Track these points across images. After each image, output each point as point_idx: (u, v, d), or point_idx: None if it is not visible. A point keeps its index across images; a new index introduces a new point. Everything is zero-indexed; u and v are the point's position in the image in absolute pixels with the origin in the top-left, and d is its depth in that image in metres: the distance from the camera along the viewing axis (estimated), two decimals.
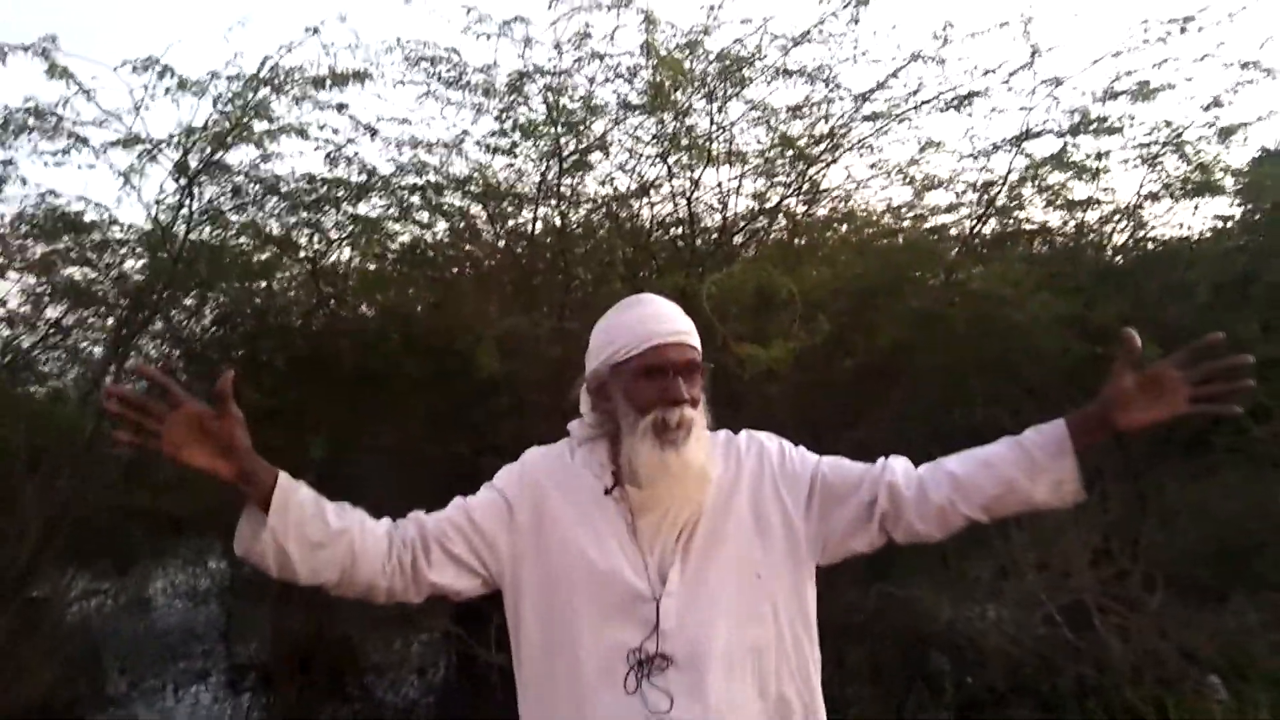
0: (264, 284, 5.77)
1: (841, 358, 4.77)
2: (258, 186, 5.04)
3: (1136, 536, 5.07)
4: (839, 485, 1.66)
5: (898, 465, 1.66)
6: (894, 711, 4.10)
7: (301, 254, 5.53)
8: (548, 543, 1.62)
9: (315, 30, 4.36)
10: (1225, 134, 5.17)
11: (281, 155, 4.99)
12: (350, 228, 5.49)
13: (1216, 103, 5.01)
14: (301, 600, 5.44)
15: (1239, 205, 5.99)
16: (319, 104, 4.69)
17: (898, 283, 5.00)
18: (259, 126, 4.72)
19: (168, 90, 4.26)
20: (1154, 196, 5.39)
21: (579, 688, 1.56)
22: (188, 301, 5.55)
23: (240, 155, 4.81)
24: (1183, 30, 4.69)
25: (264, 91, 4.45)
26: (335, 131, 4.93)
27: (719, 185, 5.06)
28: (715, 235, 5.14)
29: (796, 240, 5.29)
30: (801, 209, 5.30)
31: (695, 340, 1.67)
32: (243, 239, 5.34)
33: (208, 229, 5.00)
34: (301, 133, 4.88)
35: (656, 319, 1.65)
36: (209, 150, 4.58)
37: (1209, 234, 5.75)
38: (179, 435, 1.42)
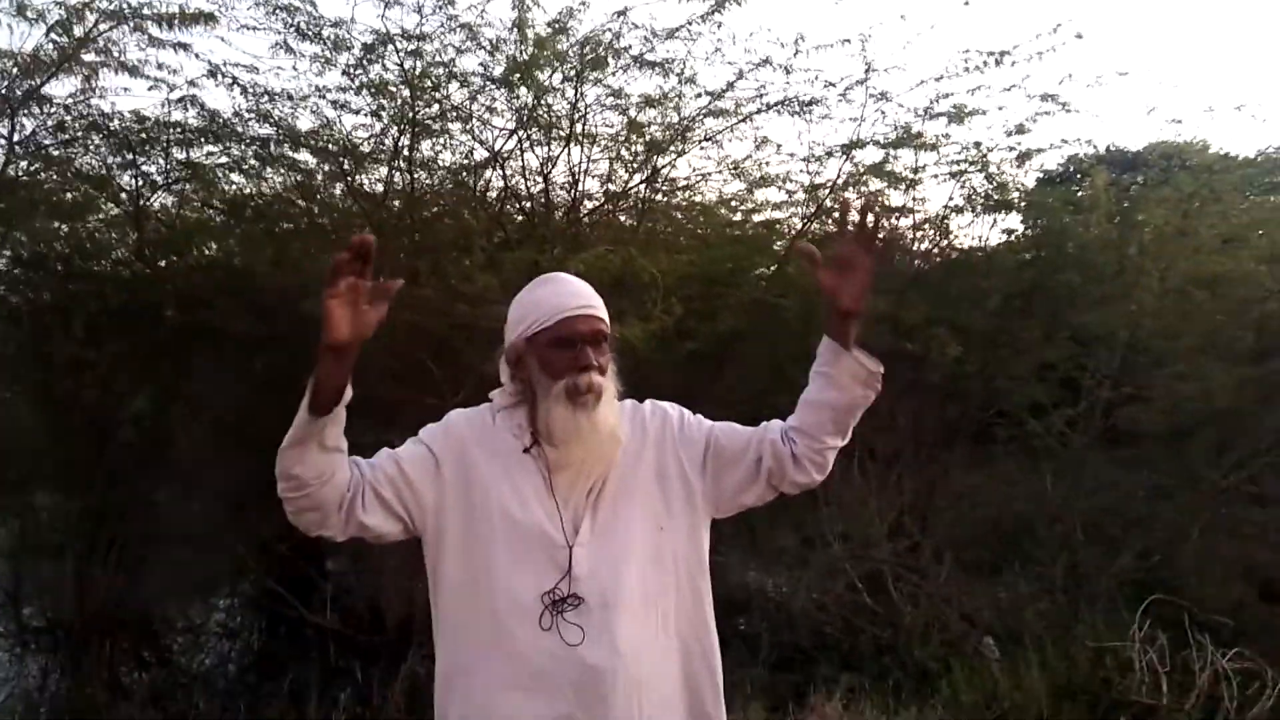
0: (75, 225, 5.38)
1: (679, 341, 5.01)
2: (82, 122, 4.70)
3: (927, 514, 5.65)
4: (730, 448, 1.85)
5: (775, 425, 1.87)
6: None
7: (122, 196, 5.21)
8: (471, 495, 1.76)
9: None
10: (1023, 158, 5.79)
11: (108, 91, 4.70)
12: (178, 173, 5.24)
13: (1019, 129, 5.59)
14: (107, 560, 5.17)
15: (1025, 223, 6.71)
16: (161, 43, 4.43)
17: (735, 273, 5.30)
18: (89, 58, 4.42)
19: None
20: (959, 209, 5.95)
21: (498, 626, 1.70)
22: None
23: (66, 88, 4.48)
24: (998, 63, 5.20)
25: (101, 23, 4.14)
26: (174, 72, 4.68)
27: (569, 165, 5.17)
28: (564, 213, 5.24)
29: (642, 225, 5.47)
30: (648, 195, 5.47)
31: (603, 313, 1.82)
32: (55, 176, 4.98)
33: (23, 164, 4.61)
34: (133, 70, 4.61)
35: (567, 294, 1.80)
36: (33, 78, 4.23)
37: (1002, 246, 6.40)
38: (345, 292, 1.52)
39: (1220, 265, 5.81)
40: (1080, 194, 6.59)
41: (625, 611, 1.71)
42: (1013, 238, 6.69)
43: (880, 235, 1.76)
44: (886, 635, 4.75)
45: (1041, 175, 8.73)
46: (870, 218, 1.75)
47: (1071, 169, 9.99)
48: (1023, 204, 6.26)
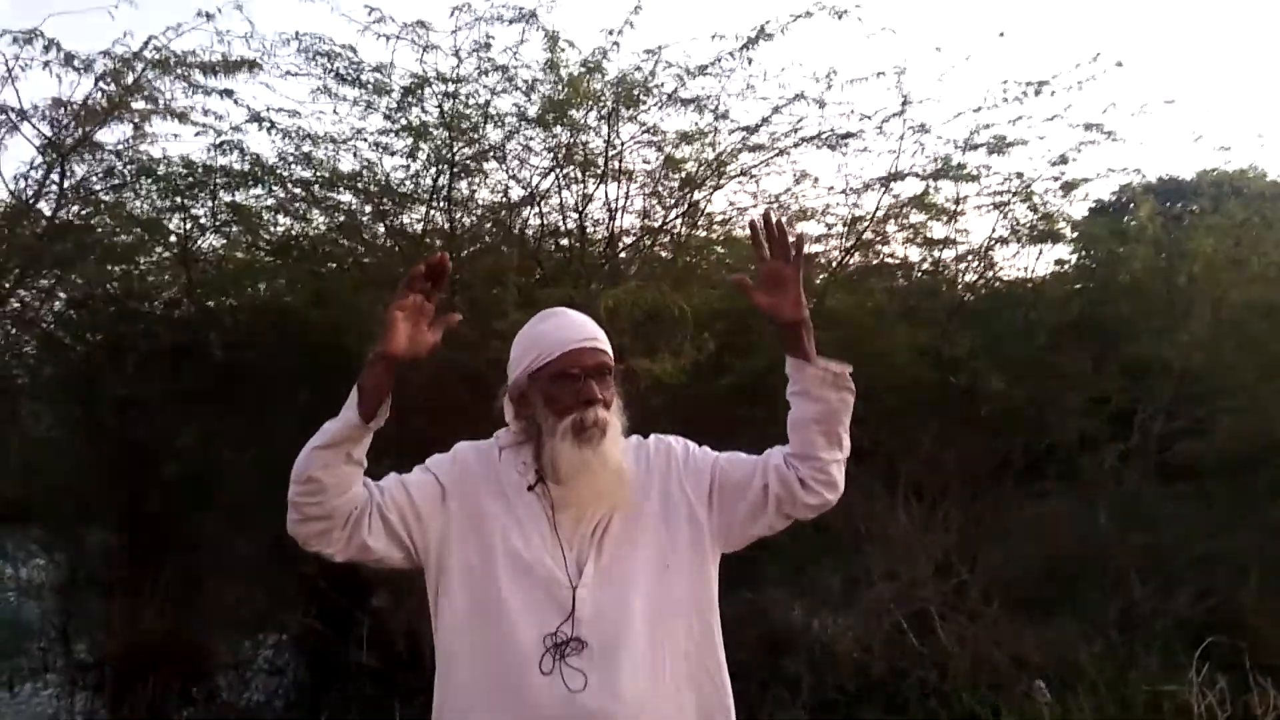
0: (127, 268, 5.54)
1: (717, 376, 4.98)
2: (131, 167, 4.85)
3: (975, 553, 5.50)
4: (737, 477, 1.82)
5: (777, 452, 1.83)
6: (752, 711, 4.30)
7: (172, 239, 5.35)
8: (476, 529, 1.74)
9: (208, 16, 4.26)
10: (1068, 188, 5.69)
11: (157, 137, 4.86)
12: (225, 216, 5.37)
13: (1062, 159, 5.50)
14: (153, 597, 5.25)
15: (1075, 253, 6.58)
16: (205, 89, 4.57)
17: None
18: (138, 106, 4.57)
19: (46, 64, 4.06)
20: (1003, 240, 5.87)
21: (497, 667, 1.67)
22: (43, 282, 5.27)
23: (116, 134, 4.64)
24: (1037, 92, 5.14)
25: (148, 71, 4.29)
26: (219, 118, 4.82)
27: (607, 202, 5.21)
28: (602, 249, 5.27)
29: (680, 260, 5.47)
30: (685, 230, 5.48)
31: (606, 346, 1.80)
32: (108, 220, 5.14)
33: (75, 208, 4.76)
34: (181, 116, 4.76)
35: (569, 328, 1.79)
36: (84, 126, 4.38)
37: (1049, 278, 6.29)
38: (410, 307, 1.62)
39: (1276, 293, 5.63)
40: (1130, 223, 6.46)
41: (630, 656, 1.66)
42: (1062, 269, 6.58)
43: (791, 241, 1.73)
44: (933, 678, 4.61)
45: (1094, 205, 8.60)
46: (775, 228, 1.75)
47: (1123, 199, 9.82)
48: (1071, 234, 6.16)
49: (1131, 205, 7.01)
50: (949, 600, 5.01)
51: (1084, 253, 6.59)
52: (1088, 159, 5.47)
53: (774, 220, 1.75)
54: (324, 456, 1.61)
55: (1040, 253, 6.03)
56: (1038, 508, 5.96)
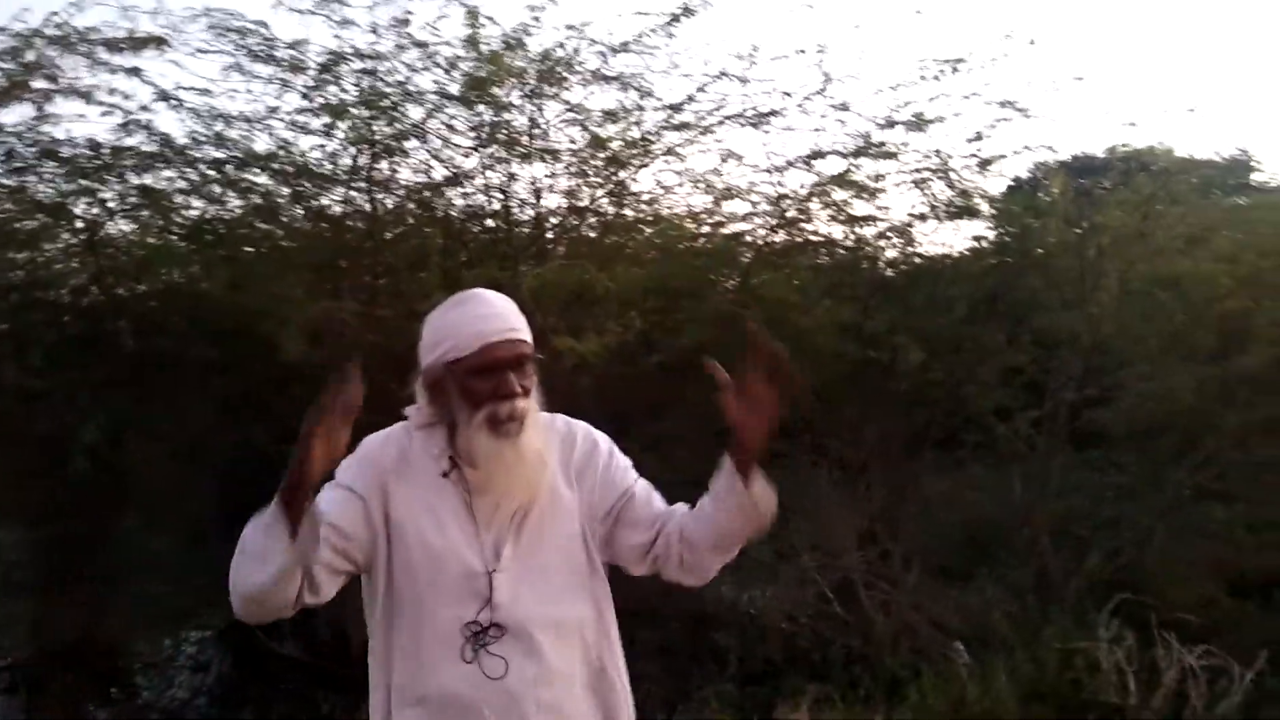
0: (31, 255, 5.32)
1: (646, 354, 5.00)
2: (33, 150, 4.65)
3: (896, 522, 5.65)
4: (640, 515, 1.81)
5: (679, 515, 1.81)
6: (681, 685, 4.37)
7: (78, 224, 5.15)
8: (391, 524, 1.71)
9: None
10: (984, 165, 5.80)
11: (60, 118, 4.67)
12: (134, 199, 5.19)
13: (979, 136, 5.61)
14: (68, 595, 5.09)
15: (993, 229, 6.74)
16: (111, 67, 4.40)
17: (700, 285, 5.30)
18: (39, 85, 4.38)
19: None
20: (922, 217, 5.95)
21: (421, 659, 1.66)
22: None
23: (16, 115, 4.44)
24: (954, 70, 5.24)
25: (49, 49, 4.11)
26: (126, 97, 4.64)
27: (533, 181, 5.16)
28: (528, 230, 5.23)
29: (607, 239, 5.47)
30: (612, 210, 5.47)
31: (526, 334, 1.76)
32: (10, 205, 4.93)
33: None
34: (86, 96, 4.58)
35: (487, 318, 1.73)
36: None
37: (967, 253, 6.43)
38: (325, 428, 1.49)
39: (1180, 266, 5.86)
40: (1044, 199, 6.64)
41: (548, 639, 1.67)
42: (980, 244, 6.74)
43: (785, 373, 1.65)
44: (857, 644, 4.74)
45: (1012, 182, 8.82)
46: (771, 352, 1.64)
47: (1038, 175, 10.08)
48: (989, 211, 6.30)
49: (1045, 181, 7.21)
50: (872, 569, 5.14)
51: (1000, 229, 6.75)
52: (1003, 136, 5.59)
53: (765, 340, 1.64)
54: (278, 589, 1.53)
55: (958, 229, 6.17)
56: (955, 477, 6.14)
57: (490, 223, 5.37)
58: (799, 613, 4.90)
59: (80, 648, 5.13)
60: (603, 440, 1.88)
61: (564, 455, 1.82)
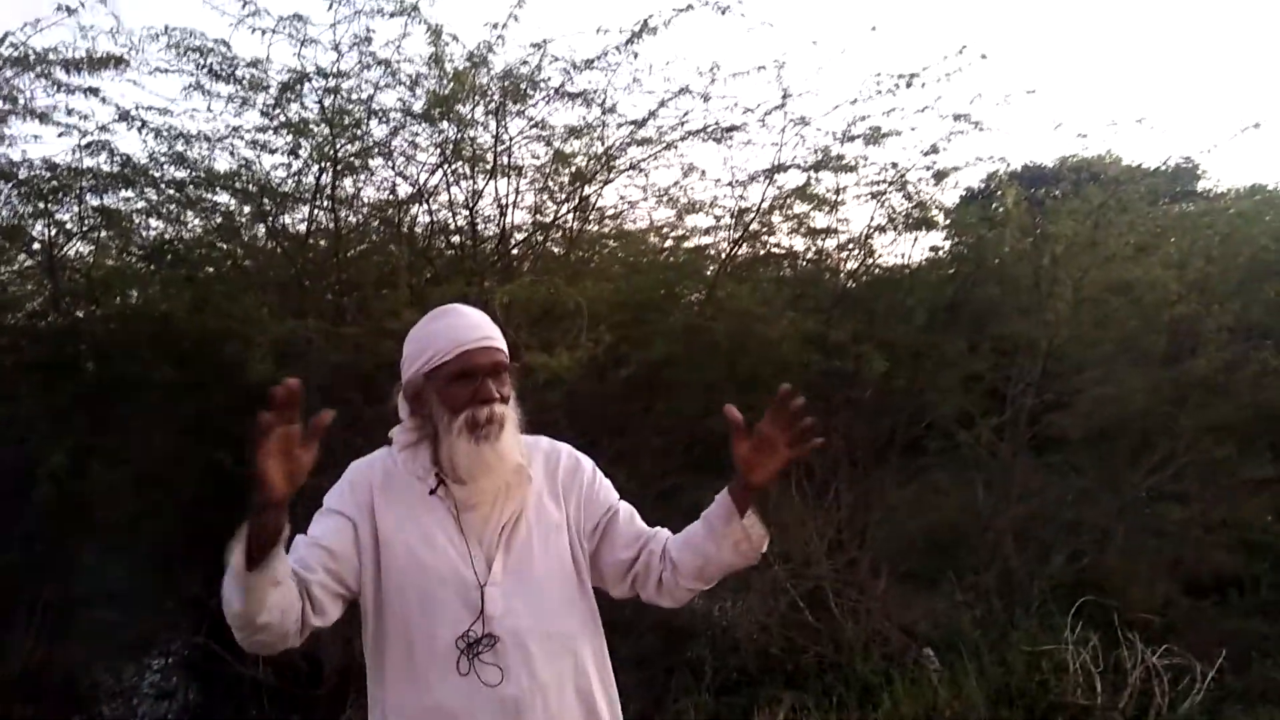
0: None
1: (613, 369, 5.02)
2: None
3: (864, 530, 5.72)
4: (622, 534, 1.86)
5: (663, 536, 1.86)
6: (657, 697, 4.38)
7: (35, 246, 5.08)
8: (381, 544, 1.73)
9: (70, 10, 4.05)
10: (939, 177, 5.94)
11: (15, 139, 4.61)
12: (92, 220, 5.12)
13: (934, 149, 5.73)
14: (29, 624, 4.98)
15: (948, 239, 6.88)
16: (68, 88, 4.34)
17: (666, 299, 5.34)
18: None
19: None
20: (881, 229, 6.08)
21: (417, 674, 1.69)
22: None
23: None
24: (908, 85, 5.34)
25: (5, 69, 4.05)
26: (84, 117, 4.59)
27: (497, 198, 5.18)
28: (494, 246, 5.24)
29: (572, 255, 5.49)
30: (577, 225, 5.50)
31: (502, 344, 1.81)
32: None
33: None
34: (43, 117, 4.51)
35: (464, 328, 1.79)
36: None
37: (925, 263, 6.56)
38: (278, 445, 1.44)
39: (1131, 272, 6.01)
40: (998, 209, 6.78)
41: (540, 649, 1.71)
42: (937, 254, 6.87)
43: (808, 433, 1.66)
44: (829, 652, 4.78)
45: (965, 194, 8.98)
46: (801, 411, 1.65)
47: (991, 186, 10.28)
48: (945, 221, 6.43)
49: (999, 192, 7.37)
50: (841, 576, 5.20)
51: (956, 239, 6.88)
52: (957, 148, 5.74)
53: (798, 403, 1.64)
54: (253, 608, 1.52)
55: (916, 240, 6.28)
56: (920, 484, 6.24)
57: (456, 239, 5.37)
58: (771, 622, 4.93)
59: (39, 677, 5.01)
60: (585, 460, 1.92)
61: (549, 473, 1.85)
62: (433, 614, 1.70)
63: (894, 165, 5.83)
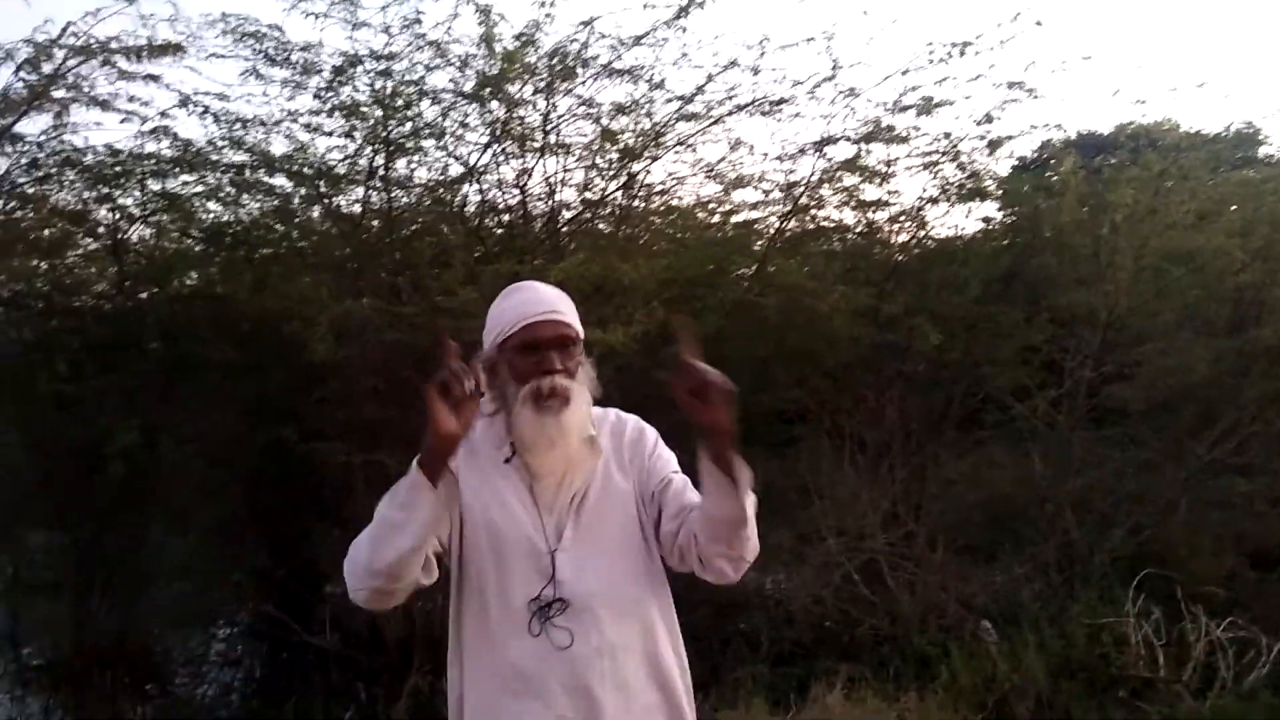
0: (54, 262, 5.38)
1: (663, 344, 5.04)
2: (55, 158, 4.71)
3: (919, 503, 5.68)
4: (670, 505, 1.83)
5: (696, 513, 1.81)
6: (714, 667, 4.41)
7: (100, 230, 5.22)
8: (464, 507, 1.78)
9: None
10: (993, 146, 5.83)
11: (79, 126, 4.73)
12: (154, 205, 5.25)
13: (987, 118, 5.63)
14: (104, 597, 5.17)
15: (1001, 210, 6.76)
16: (129, 75, 4.46)
17: (715, 274, 5.34)
18: (59, 94, 4.45)
19: None
20: (933, 200, 5.98)
21: (490, 636, 1.74)
22: None
23: (38, 125, 4.50)
24: (961, 53, 5.25)
25: (69, 58, 4.16)
26: (144, 104, 4.70)
27: (546, 176, 5.20)
28: (543, 224, 5.27)
29: (620, 232, 5.51)
30: (625, 202, 5.51)
31: (570, 319, 1.81)
32: (32, 213, 4.99)
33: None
34: (104, 104, 4.64)
35: (532, 301, 1.81)
36: (4, 117, 4.24)
37: (979, 235, 6.46)
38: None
39: (1192, 241, 5.87)
40: (1053, 178, 6.65)
41: (609, 614, 1.74)
42: (990, 225, 6.76)
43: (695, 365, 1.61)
44: (885, 625, 4.78)
45: (1017, 163, 8.82)
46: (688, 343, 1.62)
47: (1044, 155, 10.07)
48: (998, 192, 6.32)
49: (1052, 161, 7.22)
50: (896, 550, 5.18)
51: (1009, 209, 6.77)
52: (1011, 117, 5.62)
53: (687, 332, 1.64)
54: (410, 559, 1.62)
55: (969, 211, 6.20)
56: (976, 457, 6.17)
57: (506, 218, 5.42)
58: (826, 595, 4.93)
59: (116, 646, 5.21)
60: (649, 431, 1.93)
61: (615, 444, 1.87)
62: (506, 577, 1.74)
63: (946, 135, 5.75)
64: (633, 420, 1.93)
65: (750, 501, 1.68)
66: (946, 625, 4.69)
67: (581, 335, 1.82)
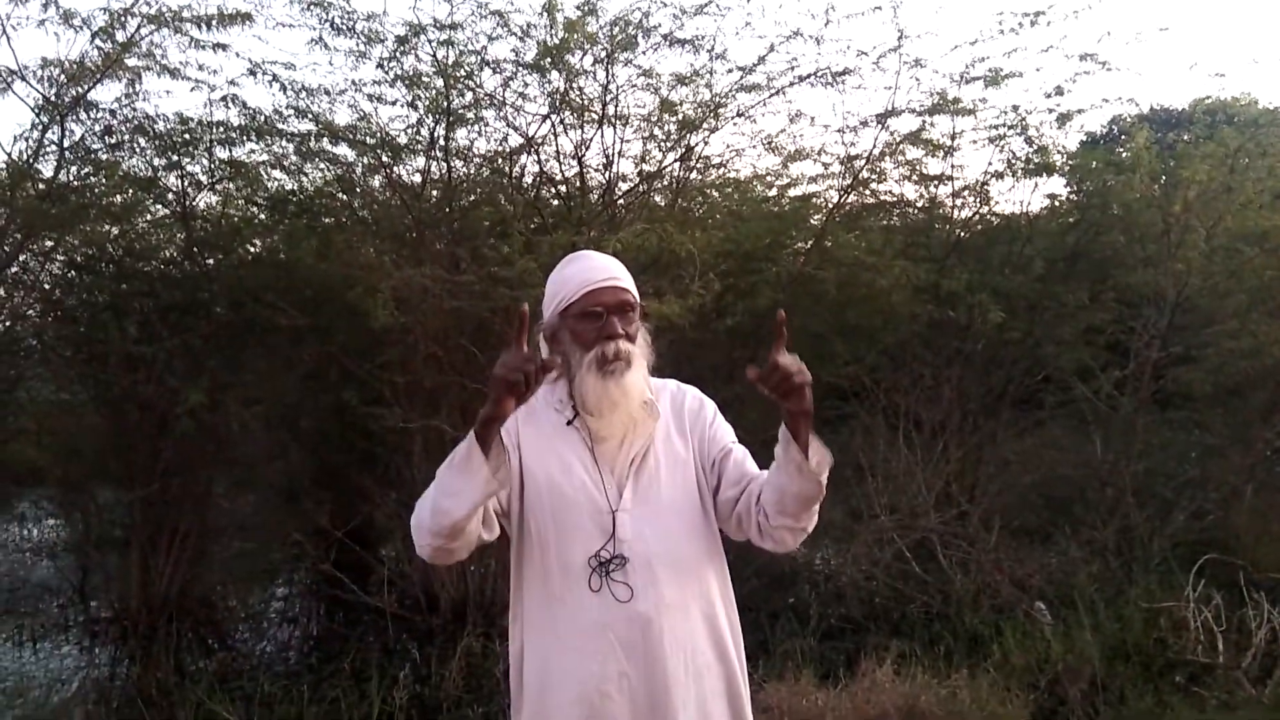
0: (125, 227, 5.53)
1: (719, 317, 5.03)
2: (128, 126, 4.83)
3: (975, 482, 5.62)
4: (733, 471, 1.88)
5: (761, 480, 1.84)
6: (762, 642, 4.43)
7: (169, 196, 5.35)
8: (528, 468, 1.83)
9: None
10: (1063, 120, 5.71)
11: (150, 94, 4.83)
12: (222, 172, 5.36)
13: (1058, 90, 5.51)
14: (169, 551, 5.34)
15: (1068, 186, 6.61)
16: (199, 44, 4.54)
17: (772, 248, 5.30)
18: (132, 62, 4.55)
19: (42, 21, 4.02)
20: (999, 175, 5.88)
21: (551, 592, 1.79)
22: (44, 244, 5.26)
23: (111, 92, 4.61)
24: (1033, 23, 5.14)
25: (142, 27, 4.25)
26: (213, 73, 4.79)
27: (604, 148, 5.20)
28: (600, 195, 5.28)
29: (677, 204, 5.49)
30: (682, 174, 5.49)
31: (628, 284, 1.86)
32: (105, 180, 5.12)
33: (73, 168, 4.75)
34: (174, 72, 4.73)
35: (593, 269, 1.86)
36: (80, 85, 4.35)
37: (1044, 211, 6.32)
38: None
39: (1269, 221, 5.68)
40: (1123, 154, 6.48)
41: (667, 572, 1.77)
42: (1056, 202, 6.62)
43: (784, 361, 1.64)
44: (937, 603, 4.75)
45: (1085, 138, 8.60)
46: (780, 336, 1.67)
47: (1115, 130, 9.81)
48: (1065, 167, 6.18)
49: (1123, 136, 7.03)
50: (950, 529, 5.13)
51: (1077, 186, 6.61)
52: (1082, 90, 5.49)
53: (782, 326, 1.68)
54: (470, 515, 1.67)
55: (1035, 186, 6.06)
56: (1035, 437, 6.07)
57: (563, 189, 5.43)
58: (877, 572, 4.92)
59: (181, 601, 5.39)
60: (709, 402, 1.98)
61: (675, 411, 1.92)
62: (568, 534, 1.78)
63: (1014, 108, 5.65)
64: (692, 390, 1.97)
65: (824, 480, 1.72)
66: (999, 605, 4.64)
67: (639, 302, 1.86)
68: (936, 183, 5.93)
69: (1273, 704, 3.83)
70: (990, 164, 5.84)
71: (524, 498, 1.82)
